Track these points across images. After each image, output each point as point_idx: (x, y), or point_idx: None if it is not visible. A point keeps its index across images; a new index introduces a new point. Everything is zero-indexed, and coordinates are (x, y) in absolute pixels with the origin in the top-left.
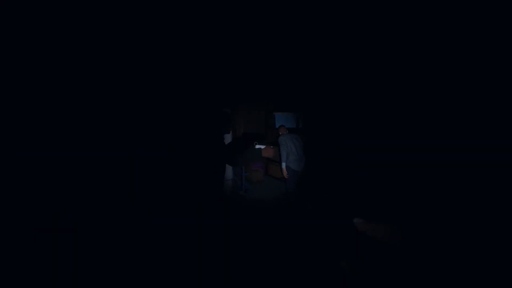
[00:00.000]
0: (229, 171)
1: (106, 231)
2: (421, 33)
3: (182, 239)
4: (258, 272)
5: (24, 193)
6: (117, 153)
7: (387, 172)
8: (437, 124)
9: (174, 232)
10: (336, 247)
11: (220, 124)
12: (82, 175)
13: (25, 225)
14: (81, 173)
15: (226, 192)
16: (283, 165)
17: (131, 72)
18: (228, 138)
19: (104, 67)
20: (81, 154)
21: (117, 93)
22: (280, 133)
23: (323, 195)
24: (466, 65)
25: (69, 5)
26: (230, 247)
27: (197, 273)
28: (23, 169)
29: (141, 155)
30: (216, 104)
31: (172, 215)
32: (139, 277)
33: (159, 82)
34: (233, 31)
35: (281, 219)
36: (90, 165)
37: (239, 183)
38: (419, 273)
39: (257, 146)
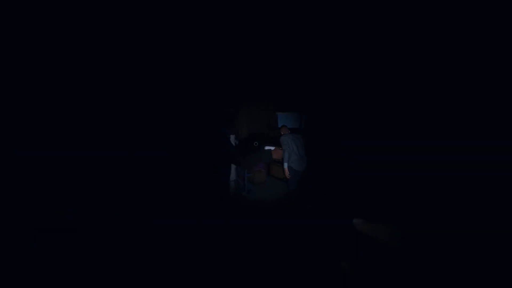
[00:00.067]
0: (232, 172)
1: (106, 231)
2: (421, 33)
3: (182, 239)
4: (258, 272)
5: (24, 193)
6: (117, 153)
7: (387, 172)
8: (437, 124)
9: (174, 232)
10: (336, 247)
11: (224, 123)
12: (82, 175)
13: (25, 225)
14: (81, 173)
15: (230, 192)
16: (285, 165)
17: (131, 72)
18: (232, 139)
19: (104, 67)
20: (81, 154)
21: (117, 93)
22: (282, 133)
23: (323, 195)
24: (466, 65)
25: (69, 5)
26: (230, 247)
27: (197, 273)
28: (23, 169)
29: (141, 155)
30: (216, 104)
31: (172, 215)
32: (139, 277)
33: (159, 82)
34: (233, 31)
35: (281, 219)
36: (90, 165)
37: (241, 184)
38: (419, 273)
39: (267, 147)
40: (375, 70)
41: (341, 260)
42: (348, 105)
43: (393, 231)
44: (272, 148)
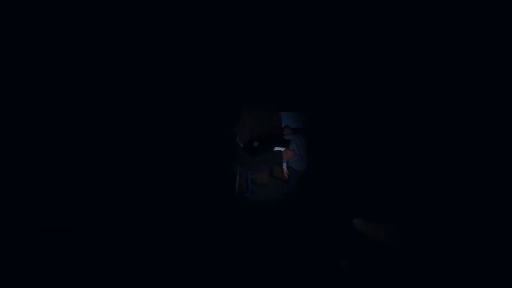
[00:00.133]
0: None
1: (106, 231)
2: (421, 33)
3: (182, 239)
4: (258, 272)
5: (24, 193)
6: (117, 153)
7: (387, 172)
8: (437, 124)
9: (174, 232)
10: (336, 247)
11: (226, 123)
12: (82, 175)
13: (25, 225)
14: (81, 173)
15: (235, 194)
16: (284, 165)
17: (131, 72)
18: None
19: (104, 67)
20: (81, 154)
21: (117, 93)
22: (285, 133)
23: (323, 195)
24: (466, 65)
25: (69, 5)
26: (230, 247)
27: (197, 273)
28: (23, 169)
29: (141, 155)
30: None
31: (172, 215)
32: (139, 277)
33: (159, 82)
34: (233, 32)
35: (281, 219)
36: (90, 165)
37: (244, 185)
38: (419, 273)
39: (277, 149)
40: (375, 70)
41: (341, 260)
42: (348, 105)
43: (393, 231)
44: (282, 149)
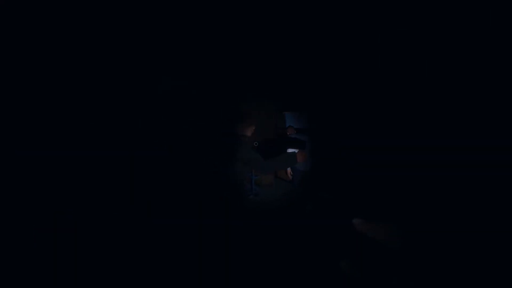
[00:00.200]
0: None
1: (106, 231)
2: (421, 33)
3: (182, 239)
4: (258, 272)
5: (24, 193)
6: (117, 153)
7: (387, 172)
8: (437, 124)
9: (174, 232)
10: (336, 247)
11: (230, 123)
12: (82, 175)
13: (25, 225)
14: (81, 173)
15: (243, 195)
16: None
17: (132, 72)
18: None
19: (104, 67)
20: (81, 154)
21: (117, 93)
22: (288, 133)
23: (323, 195)
24: (466, 65)
25: (69, 5)
26: (230, 247)
27: (197, 273)
28: (23, 169)
29: (141, 155)
30: (216, 103)
31: (172, 215)
32: (139, 277)
33: (159, 82)
34: (233, 32)
35: (281, 219)
36: (90, 165)
37: (248, 187)
38: (419, 273)
39: (290, 150)
40: (375, 70)
41: (341, 260)
42: (348, 105)
43: (393, 231)
44: (296, 151)
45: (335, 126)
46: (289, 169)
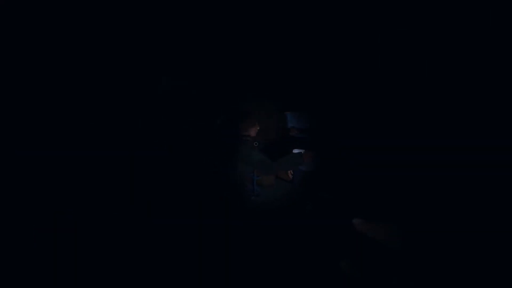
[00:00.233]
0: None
1: (106, 231)
2: (421, 33)
3: (182, 239)
4: (258, 272)
5: (24, 193)
6: (117, 153)
7: (387, 172)
8: (437, 124)
9: (174, 232)
10: (336, 247)
11: (232, 124)
12: (82, 175)
13: (25, 225)
14: (81, 173)
15: (247, 194)
16: None
17: (131, 72)
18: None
19: (104, 67)
20: (81, 154)
21: (117, 93)
22: (291, 134)
23: (323, 195)
24: (466, 65)
25: (69, 5)
26: (230, 247)
27: (197, 273)
28: (23, 169)
29: (141, 155)
30: (216, 103)
31: (172, 215)
32: (139, 277)
33: (159, 82)
34: (234, 31)
35: (281, 219)
36: (90, 165)
37: (250, 188)
38: (419, 273)
39: (296, 151)
40: (375, 70)
41: (341, 260)
42: (348, 105)
43: (393, 231)
44: (302, 151)
45: (335, 126)
46: None
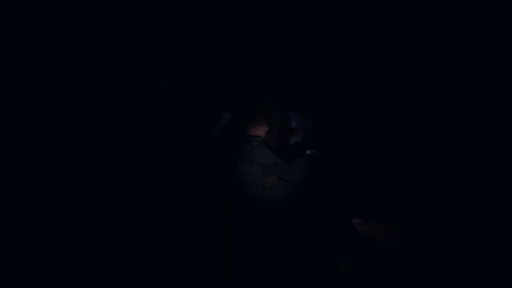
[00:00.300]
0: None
1: (106, 231)
2: (421, 33)
3: (182, 239)
4: (258, 272)
5: (24, 193)
6: (117, 153)
7: (387, 172)
8: (437, 124)
9: (174, 232)
10: (336, 247)
11: (247, 123)
12: (82, 175)
13: (25, 225)
14: (81, 173)
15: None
16: None
17: (131, 72)
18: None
19: (103, 67)
20: (81, 154)
21: (117, 93)
22: (297, 134)
23: (323, 195)
24: (466, 65)
25: (69, 5)
26: (230, 247)
27: (197, 273)
28: (23, 169)
29: (141, 155)
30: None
31: (172, 215)
32: (139, 277)
33: (159, 82)
34: (234, 31)
35: (281, 219)
36: (90, 165)
37: (255, 190)
38: (419, 273)
39: (308, 152)
40: (375, 70)
41: (341, 260)
42: (348, 105)
43: (393, 231)
44: (314, 151)
45: (335, 126)
46: None
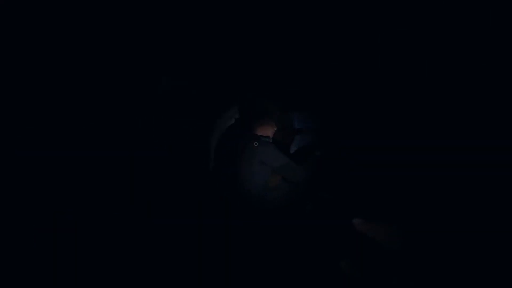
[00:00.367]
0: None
1: (106, 231)
2: (421, 33)
3: (182, 239)
4: (258, 272)
5: (24, 193)
6: (117, 153)
7: (387, 172)
8: (437, 124)
9: (174, 232)
10: (336, 247)
11: (255, 122)
12: (82, 175)
13: (25, 225)
14: (81, 173)
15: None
16: None
17: (131, 72)
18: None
19: (103, 67)
20: (81, 154)
21: (117, 93)
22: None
23: (323, 195)
24: (466, 65)
25: (69, 5)
26: (230, 247)
27: (197, 273)
28: (23, 169)
29: (141, 155)
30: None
31: (172, 215)
32: (139, 277)
33: (159, 82)
34: (234, 31)
35: (281, 219)
36: (90, 165)
37: (261, 192)
38: (419, 273)
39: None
40: (375, 70)
41: (341, 260)
42: (348, 105)
43: (393, 231)
44: (315, 151)
45: (335, 126)
46: None
